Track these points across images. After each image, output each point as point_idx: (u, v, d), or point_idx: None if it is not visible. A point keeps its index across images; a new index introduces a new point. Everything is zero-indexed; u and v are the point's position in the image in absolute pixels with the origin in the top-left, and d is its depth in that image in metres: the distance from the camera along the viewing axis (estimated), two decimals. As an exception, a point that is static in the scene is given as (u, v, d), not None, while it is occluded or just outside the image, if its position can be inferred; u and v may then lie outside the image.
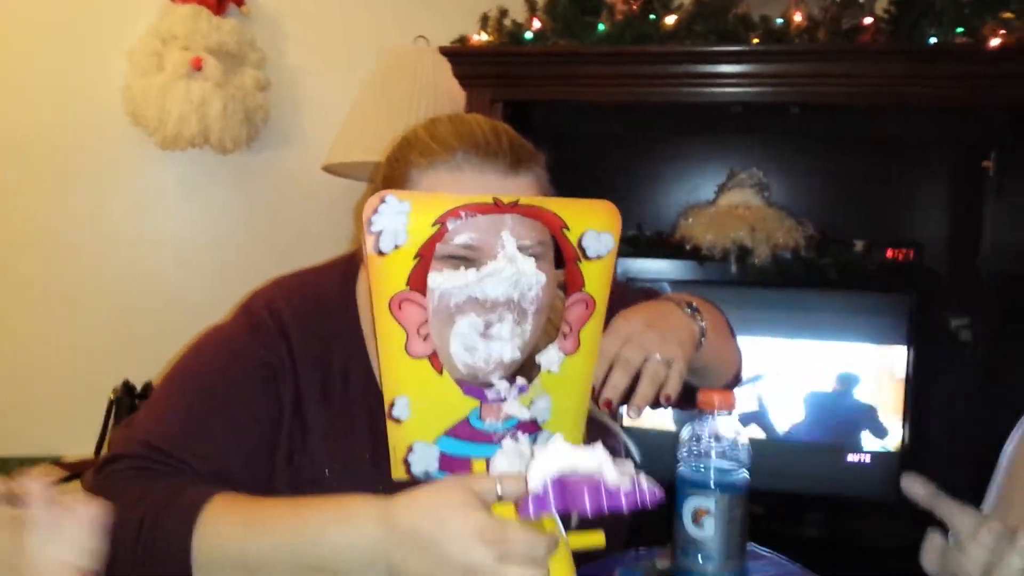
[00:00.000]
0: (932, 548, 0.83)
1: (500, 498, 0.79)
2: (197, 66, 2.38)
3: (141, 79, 2.42)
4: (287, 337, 1.03)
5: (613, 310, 1.01)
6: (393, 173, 1.01)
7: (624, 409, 0.99)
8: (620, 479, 0.78)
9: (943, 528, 0.83)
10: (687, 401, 0.99)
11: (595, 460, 0.78)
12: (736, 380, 1.24)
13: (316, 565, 0.82)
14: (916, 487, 0.84)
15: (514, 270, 0.91)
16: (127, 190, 2.63)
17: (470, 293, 0.91)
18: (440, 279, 0.90)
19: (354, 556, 0.80)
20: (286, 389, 1.02)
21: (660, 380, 0.97)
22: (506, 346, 0.93)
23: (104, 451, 1.35)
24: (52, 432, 2.52)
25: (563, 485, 0.78)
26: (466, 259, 0.92)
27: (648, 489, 0.79)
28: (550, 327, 1.03)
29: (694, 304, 1.08)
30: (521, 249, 0.92)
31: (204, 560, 0.86)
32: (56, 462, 2.41)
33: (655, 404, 0.98)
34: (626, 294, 1.16)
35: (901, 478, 0.85)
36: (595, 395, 0.98)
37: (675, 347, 0.99)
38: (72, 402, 2.48)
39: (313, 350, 1.04)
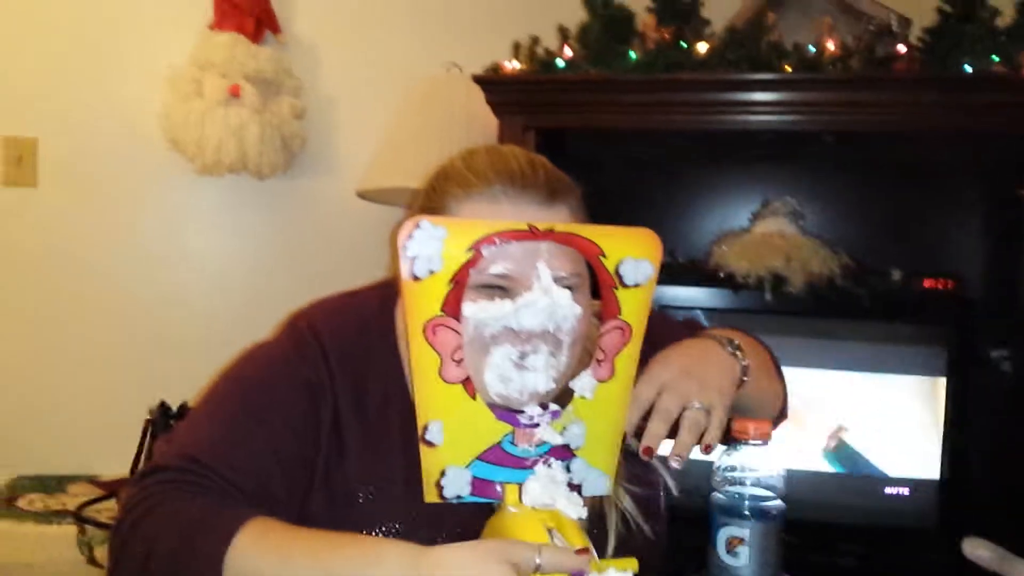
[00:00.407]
0: None
1: (539, 568, 0.77)
2: (235, 93, 2.42)
3: (180, 105, 2.46)
4: (327, 358, 1.03)
5: (654, 343, 1.01)
6: (431, 204, 1.02)
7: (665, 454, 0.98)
8: None
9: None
10: (727, 437, 0.98)
11: None
12: (781, 416, 1.22)
13: None
14: (981, 550, 0.82)
15: (549, 301, 0.90)
16: (165, 214, 2.68)
17: (505, 324, 0.91)
18: (475, 309, 0.90)
19: None
20: (325, 409, 1.02)
21: (700, 429, 0.95)
22: (540, 377, 0.92)
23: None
24: (89, 451, 2.55)
25: None
26: (501, 288, 0.92)
27: None
28: (584, 353, 1.03)
29: (736, 341, 1.06)
30: (557, 280, 0.92)
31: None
32: (92, 481, 2.44)
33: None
34: (667, 327, 1.16)
35: (963, 542, 0.83)
36: (629, 438, 0.97)
37: (715, 394, 0.98)
38: (108, 421, 2.51)
39: (351, 372, 1.04)
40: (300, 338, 1.05)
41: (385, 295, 1.11)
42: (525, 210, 0.96)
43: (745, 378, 1.04)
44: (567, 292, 0.92)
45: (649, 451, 0.96)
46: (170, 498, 0.92)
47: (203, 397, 1.07)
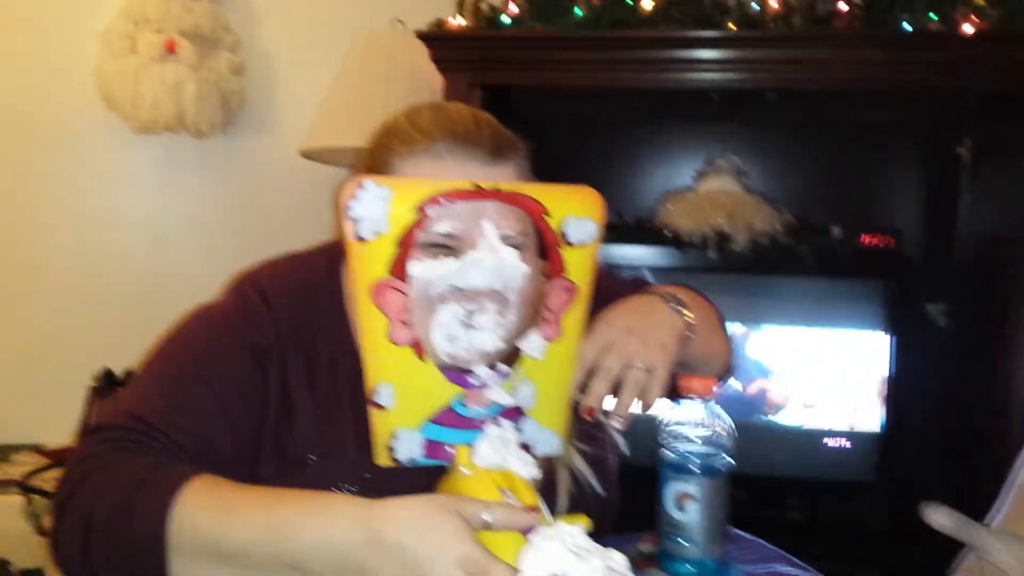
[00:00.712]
0: (967, 570, 0.84)
1: (488, 525, 0.77)
2: (171, 49, 2.36)
3: (113, 62, 2.39)
4: (275, 320, 1.01)
5: (600, 300, 1.01)
6: (374, 161, 1.00)
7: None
8: None
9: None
10: (672, 393, 0.98)
11: (591, 574, 0.73)
12: (727, 371, 1.23)
13: (290, 561, 0.80)
14: (941, 517, 0.83)
15: (495, 259, 0.90)
16: (102, 174, 2.61)
17: (452, 283, 0.91)
18: (421, 268, 0.90)
19: (330, 557, 0.79)
20: (273, 370, 1.00)
21: (640, 388, 0.96)
22: (488, 336, 0.92)
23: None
24: (33, 420, 2.49)
25: None
26: (447, 247, 0.91)
27: None
28: (533, 313, 1.03)
29: (680, 297, 1.06)
30: (503, 239, 0.91)
31: (178, 543, 0.83)
32: (37, 450, 2.39)
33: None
34: (614, 284, 1.15)
35: (922, 508, 0.85)
36: (575, 397, 0.97)
37: (657, 352, 0.97)
38: (52, 389, 2.45)
39: (301, 335, 1.02)
40: (247, 301, 1.03)
41: (332, 257, 1.09)
42: (470, 167, 0.95)
43: (690, 334, 1.04)
44: (514, 251, 0.92)
45: (591, 411, 0.96)
46: (112, 458, 0.90)
47: (148, 357, 1.04)
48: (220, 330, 1.02)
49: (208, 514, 0.83)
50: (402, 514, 0.77)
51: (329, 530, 0.79)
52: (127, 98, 2.36)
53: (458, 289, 0.91)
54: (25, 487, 2.14)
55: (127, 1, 2.42)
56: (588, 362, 0.97)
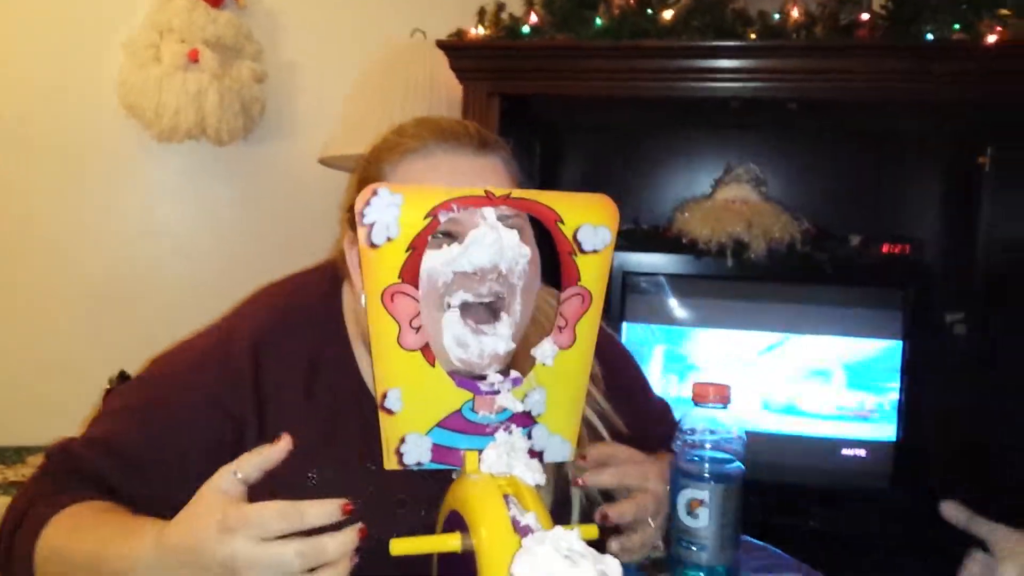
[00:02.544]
0: (975, 564, 0.89)
1: (242, 481, 0.81)
2: (194, 58, 2.39)
3: (137, 71, 2.42)
4: (257, 366, 1.05)
5: (606, 361, 1.09)
6: (367, 174, 1.04)
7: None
8: None
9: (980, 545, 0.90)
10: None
11: None
12: None
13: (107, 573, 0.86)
14: (954, 511, 0.91)
15: (496, 235, 0.91)
16: (124, 182, 2.63)
17: (456, 268, 0.92)
18: (425, 258, 0.90)
19: (134, 570, 0.84)
20: (246, 414, 1.04)
21: (642, 515, 1.01)
22: (499, 341, 0.94)
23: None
24: (48, 422, 2.50)
25: None
26: (448, 234, 0.93)
27: None
28: (544, 319, 1.03)
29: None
30: (501, 219, 0.93)
31: (43, 567, 0.92)
32: (53, 452, 2.42)
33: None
34: (618, 352, 1.26)
35: (940, 505, 0.92)
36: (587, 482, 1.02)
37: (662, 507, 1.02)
38: (70, 392, 2.47)
39: (299, 363, 1.06)
40: (227, 343, 1.07)
41: (333, 277, 1.13)
42: (459, 160, 1.00)
43: None
44: (514, 232, 0.93)
45: (605, 517, 0.99)
46: (30, 488, 1.00)
47: (121, 391, 1.12)
48: (185, 378, 1.06)
49: (61, 533, 0.92)
50: (177, 517, 0.82)
51: (131, 547, 0.85)
52: (150, 107, 2.39)
53: (464, 274, 0.92)
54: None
55: (152, 11, 2.45)
56: (633, 483, 1.02)
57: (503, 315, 0.94)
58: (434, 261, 0.91)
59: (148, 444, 1.01)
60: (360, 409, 1.05)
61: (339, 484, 1.00)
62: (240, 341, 1.07)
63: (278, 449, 0.82)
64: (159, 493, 0.98)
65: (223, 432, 1.03)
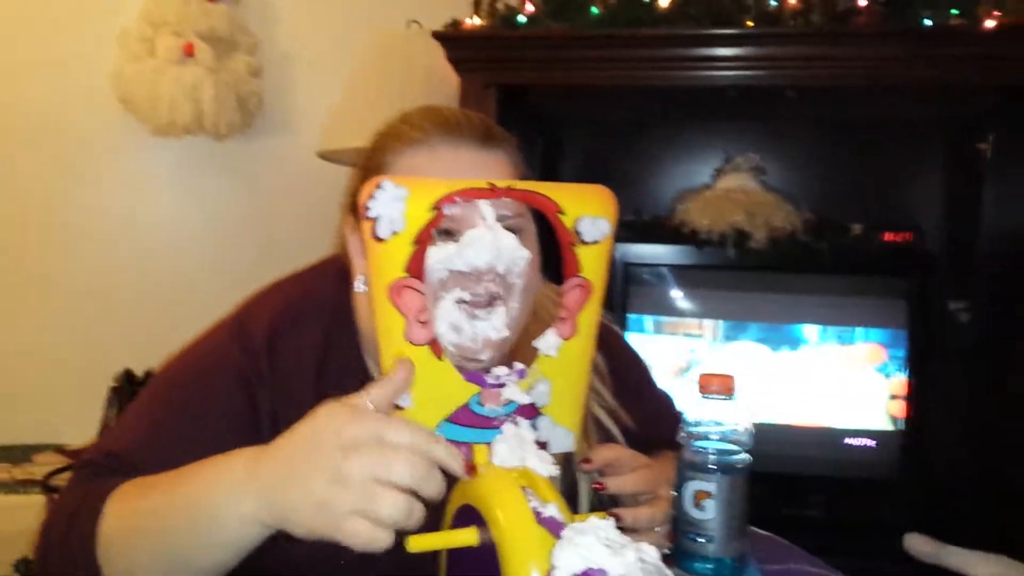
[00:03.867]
0: None
1: (372, 406, 0.80)
2: (189, 52, 2.37)
3: (132, 64, 2.41)
4: (272, 351, 1.04)
5: (612, 358, 1.10)
6: (370, 163, 1.04)
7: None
8: None
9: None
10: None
11: (626, 567, 0.72)
12: None
13: (196, 516, 0.82)
14: (920, 544, 0.84)
15: (493, 236, 0.91)
16: (120, 176, 2.62)
17: (452, 267, 0.91)
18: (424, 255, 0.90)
19: (221, 490, 0.81)
20: (264, 401, 1.03)
21: (655, 522, 1.01)
22: (492, 326, 0.93)
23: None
24: (54, 420, 2.52)
25: None
26: (446, 232, 0.93)
27: None
28: (545, 314, 1.03)
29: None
30: (499, 219, 0.92)
31: (107, 537, 0.88)
32: (59, 450, 2.41)
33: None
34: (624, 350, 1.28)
35: (904, 538, 0.85)
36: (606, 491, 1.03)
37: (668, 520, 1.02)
38: (74, 390, 2.48)
39: (311, 353, 1.06)
40: (241, 333, 1.06)
41: (340, 272, 1.12)
42: (463, 154, 0.99)
43: None
44: (512, 234, 0.92)
45: (618, 517, 0.99)
46: (78, 489, 0.95)
47: (141, 392, 1.09)
48: (210, 363, 1.05)
49: (129, 501, 0.89)
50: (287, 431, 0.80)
51: (221, 467, 0.83)
52: (145, 100, 2.38)
53: (461, 273, 0.91)
54: (47, 486, 2.16)
55: (146, 4, 2.43)
56: (652, 489, 1.02)
57: (499, 304, 0.94)
58: (430, 259, 0.90)
59: (180, 435, 1.00)
60: None
61: None
62: (258, 326, 1.07)
63: (402, 378, 0.82)
64: None
65: (250, 410, 1.03)
